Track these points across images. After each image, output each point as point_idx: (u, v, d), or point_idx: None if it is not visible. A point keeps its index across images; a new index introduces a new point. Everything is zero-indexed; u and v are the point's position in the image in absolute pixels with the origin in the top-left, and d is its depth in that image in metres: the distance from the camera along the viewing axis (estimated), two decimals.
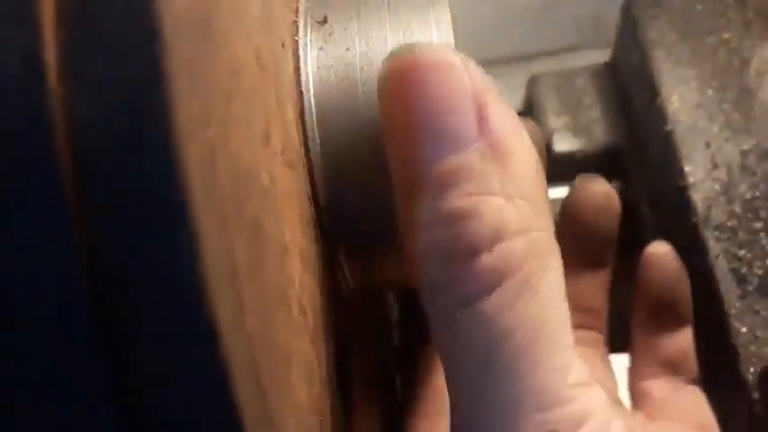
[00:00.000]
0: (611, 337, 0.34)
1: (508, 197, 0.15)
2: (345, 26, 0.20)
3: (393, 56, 0.16)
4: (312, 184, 0.19)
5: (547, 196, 0.17)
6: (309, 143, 0.19)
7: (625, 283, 0.35)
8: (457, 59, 0.16)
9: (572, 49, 0.74)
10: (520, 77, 0.55)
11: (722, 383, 0.33)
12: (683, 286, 0.30)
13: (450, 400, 0.16)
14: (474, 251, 0.15)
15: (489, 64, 0.74)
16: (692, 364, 0.31)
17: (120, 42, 0.09)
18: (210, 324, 0.10)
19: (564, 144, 0.44)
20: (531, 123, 0.33)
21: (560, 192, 0.45)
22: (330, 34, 0.20)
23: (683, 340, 0.31)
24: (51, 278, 0.09)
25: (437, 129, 0.15)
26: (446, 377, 0.16)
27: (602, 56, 0.48)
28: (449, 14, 0.20)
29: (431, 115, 0.15)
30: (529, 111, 0.48)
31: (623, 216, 0.42)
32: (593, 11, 0.74)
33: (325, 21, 0.20)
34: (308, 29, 0.19)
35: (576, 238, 0.31)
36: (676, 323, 0.31)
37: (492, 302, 0.15)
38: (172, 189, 0.09)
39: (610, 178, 0.44)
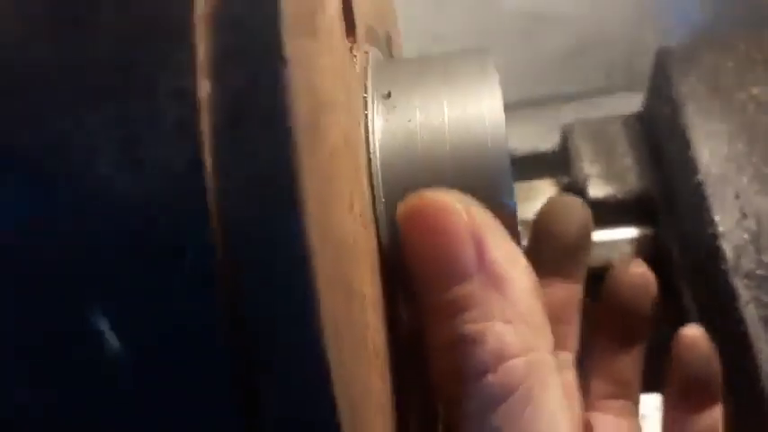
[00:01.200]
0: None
1: (508, 321, 0.18)
2: (407, 100, 0.22)
3: (405, 202, 0.19)
4: (379, 240, 0.21)
5: (545, 316, 0.19)
6: (376, 204, 0.21)
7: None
8: (455, 204, 0.19)
9: (604, 92, 0.76)
10: (553, 119, 0.58)
11: (752, 427, 0.34)
12: (715, 367, 0.32)
13: None
14: (482, 372, 0.17)
15: (523, 105, 0.77)
16: None
17: (260, 149, 0.12)
18: (325, 369, 0.12)
19: (598, 190, 0.46)
20: (578, 201, 0.36)
21: (596, 236, 0.47)
22: (394, 107, 0.22)
23: (712, 418, 0.32)
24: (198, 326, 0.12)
25: (441, 264, 0.18)
26: None
27: (633, 99, 0.51)
28: (499, 89, 0.23)
29: (435, 253, 0.18)
30: (563, 157, 0.51)
31: (655, 258, 0.44)
32: (625, 55, 0.76)
33: (389, 95, 0.23)
34: (375, 103, 0.22)
35: (615, 316, 0.33)
36: (707, 401, 0.32)
37: (500, 415, 0.17)
38: (299, 259, 0.12)
39: (641, 224, 0.46)
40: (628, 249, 0.46)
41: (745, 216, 0.37)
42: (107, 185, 0.12)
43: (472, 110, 0.22)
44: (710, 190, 0.38)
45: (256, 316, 0.12)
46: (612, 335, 0.33)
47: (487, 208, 0.21)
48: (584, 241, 0.33)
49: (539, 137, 0.61)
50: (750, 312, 0.35)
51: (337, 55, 0.18)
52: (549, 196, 0.52)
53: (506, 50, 0.76)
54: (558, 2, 0.74)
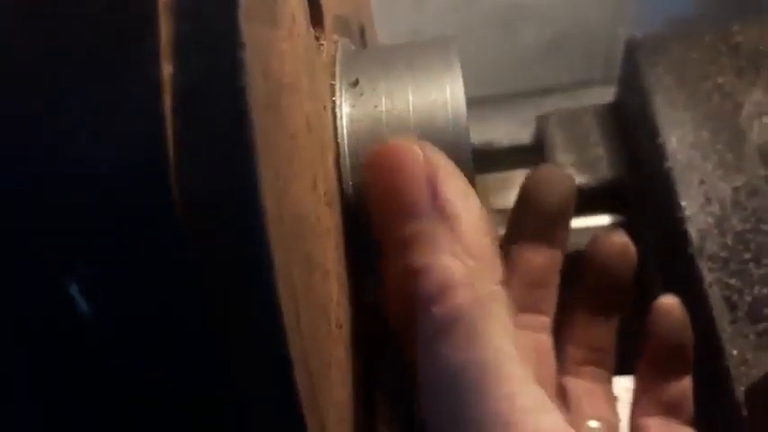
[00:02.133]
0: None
1: (455, 254, 0.19)
2: (374, 87, 0.23)
3: (371, 149, 0.21)
4: (345, 218, 0.22)
5: (495, 252, 0.20)
6: (344, 185, 0.22)
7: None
8: (414, 148, 0.20)
9: (582, 84, 0.77)
10: (531, 112, 0.59)
11: (715, 403, 0.35)
12: (688, 336, 0.33)
13: (429, 423, 0.19)
14: (428, 302, 0.18)
15: (503, 98, 0.78)
16: (690, 408, 0.34)
17: (218, 127, 0.13)
18: (279, 327, 0.13)
19: None
20: (562, 171, 0.37)
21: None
22: (361, 95, 0.23)
23: (683, 386, 0.34)
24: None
25: (396, 202, 0.19)
26: (424, 400, 0.19)
27: (611, 92, 0.52)
28: (460, 77, 0.24)
29: (392, 191, 0.20)
30: (539, 147, 0.52)
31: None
32: (603, 48, 0.77)
33: (356, 83, 0.24)
34: (343, 91, 0.23)
35: (594, 284, 0.34)
36: (679, 370, 0.34)
37: (446, 344, 0.18)
38: (258, 229, 0.13)
39: (614, 211, 0.47)
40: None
41: (709, 201, 0.39)
42: (77, 160, 0.13)
43: (435, 96, 0.23)
44: (677, 176, 0.39)
45: (216, 288, 0.13)
46: (591, 302, 0.34)
47: None
48: (567, 209, 0.34)
49: (518, 129, 0.62)
50: (714, 293, 0.36)
51: (299, 42, 0.19)
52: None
53: (486, 45, 0.77)
54: None
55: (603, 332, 0.34)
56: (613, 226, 0.46)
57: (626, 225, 0.46)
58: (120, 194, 0.13)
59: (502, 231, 0.49)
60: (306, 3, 0.20)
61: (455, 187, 0.20)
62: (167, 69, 0.13)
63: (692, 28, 0.45)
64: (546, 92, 0.82)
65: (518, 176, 0.54)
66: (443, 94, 0.23)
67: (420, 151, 0.20)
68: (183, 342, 0.13)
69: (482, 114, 0.75)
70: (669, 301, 0.34)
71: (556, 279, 0.34)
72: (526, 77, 0.82)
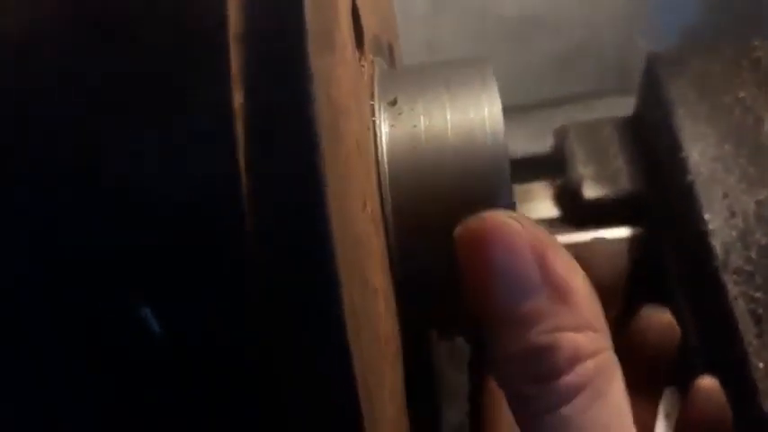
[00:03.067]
0: None
1: (578, 329, 0.20)
2: (412, 107, 0.24)
3: (464, 223, 0.21)
4: (387, 236, 0.22)
5: (604, 317, 0.21)
6: (384, 204, 0.23)
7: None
8: (514, 222, 0.20)
9: (597, 95, 0.78)
10: (546, 123, 0.59)
11: (743, 418, 0.35)
12: (728, 417, 0.34)
13: None
14: (558, 373, 0.19)
15: (518, 109, 0.78)
16: None
17: (289, 156, 0.13)
18: (345, 347, 0.13)
19: (591, 191, 0.48)
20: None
21: (589, 235, 0.49)
22: (399, 114, 0.24)
23: None
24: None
25: (508, 281, 0.20)
26: None
27: (625, 102, 0.52)
28: (498, 96, 0.24)
29: (501, 271, 0.20)
30: (559, 158, 0.52)
31: (647, 257, 0.46)
32: (618, 59, 0.78)
33: (395, 102, 0.24)
34: (382, 110, 0.23)
35: (638, 362, 0.35)
36: None
37: (572, 408, 0.19)
38: (325, 253, 0.13)
39: (634, 223, 0.47)
40: (622, 248, 0.47)
41: (733, 214, 0.39)
42: (150, 190, 0.13)
43: (473, 115, 0.24)
44: (700, 190, 0.40)
45: (284, 311, 0.13)
46: (634, 379, 0.35)
47: (486, 209, 0.23)
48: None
49: (534, 140, 0.63)
50: (739, 307, 0.36)
51: (350, 66, 0.19)
52: (542, 197, 0.53)
53: (501, 55, 0.77)
54: (552, 8, 0.76)
55: (645, 408, 0.35)
56: (634, 238, 0.47)
57: (646, 238, 0.47)
58: (192, 221, 0.13)
59: None
60: (351, 23, 0.21)
61: (563, 261, 0.20)
62: (238, 98, 0.14)
63: (710, 42, 0.46)
64: (560, 102, 0.82)
65: (538, 189, 0.54)
66: (481, 112, 0.24)
67: (521, 225, 0.20)
68: (247, 364, 0.14)
69: None
70: (709, 384, 0.35)
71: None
72: (540, 88, 0.82)
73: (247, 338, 0.14)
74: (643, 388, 0.35)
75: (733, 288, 0.37)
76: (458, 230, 0.20)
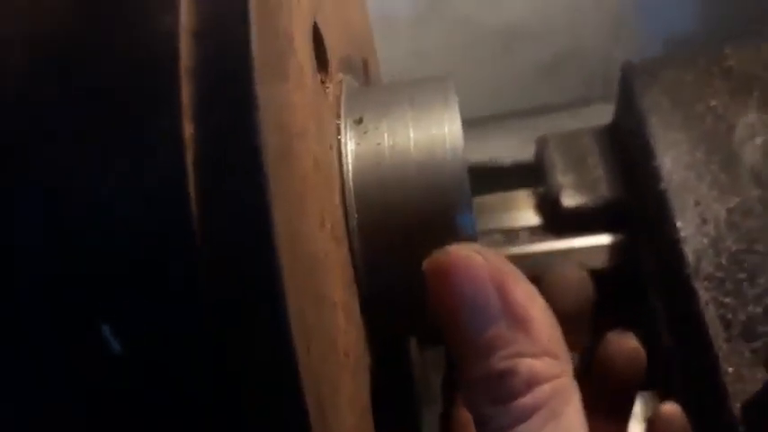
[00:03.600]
0: None
1: (535, 355, 0.21)
2: (377, 125, 0.25)
3: (431, 256, 0.22)
4: (352, 251, 0.23)
5: (564, 345, 0.22)
6: (349, 219, 0.23)
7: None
8: (477, 255, 0.21)
9: (581, 103, 0.79)
10: (533, 130, 0.60)
11: (713, 420, 0.36)
12: None
13: None
14: (515, 395, 0.20)
15: (503, 118, 0.79)
16: None
17: (236, 182, 0.14)
18: (293, 360, 0.14)
19: (571, 200, 0.49)
20: (582, 274, 0.39)
21: (569, 243, 0.50)
22: (365, 132, 0.25)
23: None
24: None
25: (470, 310, 0.21)
26: None
27: (611, 109, 0.53)
28: (458, 115, 0.25)
29: (464, 301, 0.21)
30: (539, 167, 0.53)
31: (626, 264, 0.47)
32: (601, 67, 0.79)
33: (360, 121, 0.25)
34: (348, 129, 0.24)
35: (604, 387, 0.36)
36: None
37: (527, 427, 0.20)
38: (272, 272, 0.14)
39: (613, 231, 0.48)
40: (601, 256, 0.48)
41: (704, 221, 0.40)
42: (107, 209, 0.14)
43: (435, 132, 0.25)
44: (673, 197, 0.41)
45: (234, 326, 0.14)
46: (599, 407, 0.36)
47: (448, 222, 0.24)
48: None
49: (518, 148, 0.64)
50: (710, 312, 0.37)
51: (308, 90, 0.20)
52: (525, 205, 0.54)
53: (486, 65, 0.78)
54: (535, 18, 0.77)
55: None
56: (613, 245, 0.48)
57: (625, 244, 0.47)
58: (145, 242, 0.14)
59: (506, 251, 0.50)
60: (312, 52, 0.22)
61: (522, 291, 0.22)
62: (189, 129, 0.14)
63: (685, 51, 0.47)
64: (545, 110, 0.83)
65: (519, 197, 0.55)
66: (442, 129, 0.25)
67: (483, 259, 0.21)
68: (201, 373, 0.15)
69: (483, 133, 0.76)
70: (671, 410, 0.36)
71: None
72: (525, 96, 0.83)
73: (201, 352, 0.15)
74: (612, 412, 0.36)
75: (704, 294, 0.37)
76: (425, 263, 0.22)
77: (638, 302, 0.45)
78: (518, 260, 0.51)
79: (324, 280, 0.18)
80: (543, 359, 0.21)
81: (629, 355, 0.36)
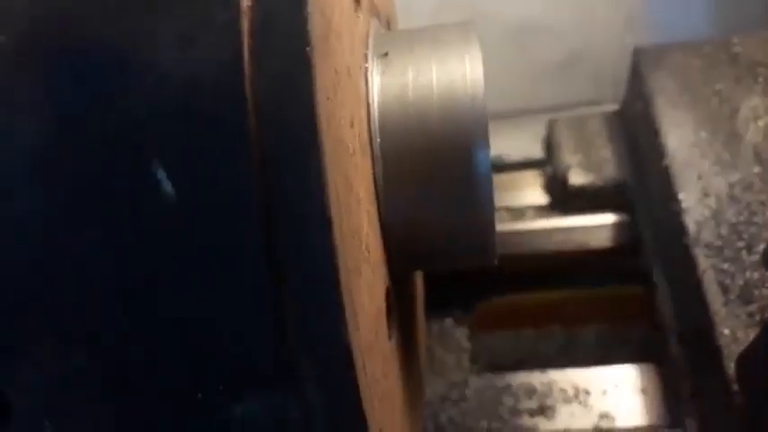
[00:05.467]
0: None
1: None
2: (401, 59, 0.26)
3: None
4: (374, 168, 0.25)
5: None
6: (373, 141, 0.25)
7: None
8: None
9: (591, 103, 0.80)
10: (542, 128, 0.62)
11: (709, 381, 0.37)
12: None
13: None
14: None
15: (517, 114, 0.81)
16: None
17: (285, 49, 0.16)
18: (327, 219, 0.16)
19: (578, 178, 0.50)
20: None
21: (574, 221, 0.51)
22: (390, 64, 0.26)
23: None
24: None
25: None
26: None
27: None
28: (479, 52, 0.27)
29: None
30: (548, 150, 0.55)
31: (630, 244, 0.48)
32: (611, 69, 0.80)
33: (386, 54, 0.27)
34: (375, 60, 0.26)
35: None
36: None
37: None
38: (310, 130, 0.16)
39: (618, 210, 0.50)
40: (605, 235, 0.50)
41: (706, 194, 0.41)
42: (168, 71, 0.16)
43: (456, 68, 0.26)
44: (676, 172, 0.42)
45: (278, 172, 0.16)
46: None
47: (464, 154, 0.25)
48: None
49: (528, 145, 0.65)
50: (708, 278, 0.38)
51: (345, 5, 0.22)
52: (532, 185, 0.56)
53: (500, 63, 0.80)
54: (548, 16, 0.79)
55: None
56: (618, 224, 0.49)
57: (629, 223, 0.49)
58: (201, 95, 0.16)
59: (509, 227, 0.51)
60: None
61: None
62: (246, 1, 0.16)
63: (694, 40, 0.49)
64: (556, 108, 0.85)
65: (527, 177, 0.57)
66: (463, 67, 0.26)
67: None
68: (244, 217, 0.16)
69: (493, 129, 0.78)
70: None
71: None
72: (538, 94, 0.84)
73: (246, 197, 0.16)
74: None
75: (703, 261, 0.39)
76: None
77: (639, 279, 0.46)
78: (522, 236, 0.53)
79: (351, 170, 0.20)
80: None
81: None
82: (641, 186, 0.48)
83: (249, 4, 0.16)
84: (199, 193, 0.16)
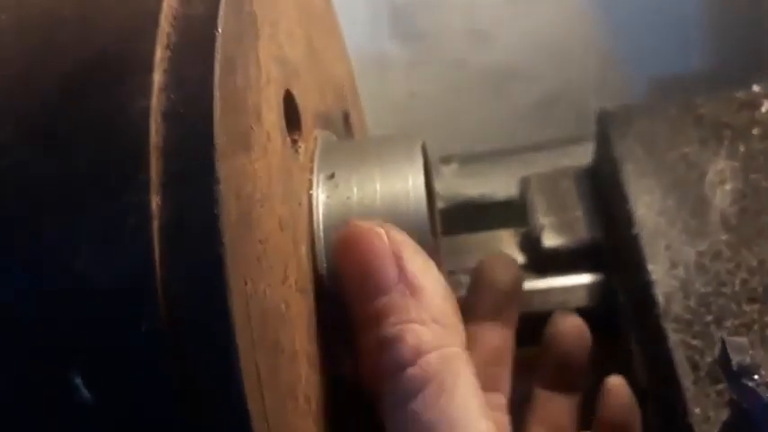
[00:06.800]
0: None
1: (423, 322, 0.21)
2: (347, 180, 0.27)
3: (341, 230, 0.23)
4: (318, 300, 0.25)
5: (458, 318, 0.23)
6: (318, 267, 0.25)
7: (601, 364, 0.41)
8: (378, 229, 0.23)
9: (572, 141, 0.81)
10: (528, 167, 0.62)
11: None
12: (635, 413, 0.37)
13: None
14: (402, 366, 0.21)
15: (497, 155, 0.82)
16: None
17: (198, 250, 0.16)
18: (245, 414, 0.16)
19: (551, 240, 0.50)
20: (510, 257, 0.40)
21: (550, 282, 0.51)
22: (336, 186, 0.27)
23: None
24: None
25: (367, 278, 0.22)
26: None
27: None
28: (422, 170, 0.27)
29: (362, 269, 0.22)
30: (522, 208, 0.55)
31: (605, 303, 0.48)
32: (594, 105, 0.81)
33: (332, 176, 0.27)
34: (320, 183, 0.26)
35: (552, 364, 0.37)
36: None
37: (419, 403, 0.20)
38: (225, 329, 0.16)
39: (592, 271, 0.50)
40: (581, 295, 0.50)
41: (674, 265, 0.41)
42: (83, 277, 0.16)
43: (400, 186, 0.26)
44: (645, 241, 0.42)
45: (193, 381, 0.16)
46: (550, 382, 0.37)
47: None
48: (516, 289, 0.37)
49: (511, 184, 0.65)
50: (678, 354, 0.38)
51: (275, 155, 0.22)
52: (508, 244, 0.56)
53: (479, 105, 0.80)
54: (525, 60, 0.79)
55: (562, 410, 0.37)
56: (592, 285, 0.49)
57: (603, 284, 0.49)
58: (116, 301, 0.16)
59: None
60: (282, 116, 0.24)
61: (418, 261, 0.23)
62: (156, 201, 0.16)
63: (658, 100, 0.49)
64: (537, 148, 0.85)
65: (504, 236, 0.57)
66: (406, 184, 0.26)
67: (384, 231, 0.23)
68: (164, 425, 0.16)
69: (476, 169, 0.78)
70: (617, 382, 0.37)
71: (509, 358, 0.37)
72: (517, 135, 0.85)
73: (163, 404, 0.16)
74: (559, 388, 0.37)
75: (673, 336, 0.39)
76: (336, 237, 0.23)
77: (616, 340, 0.46)
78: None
79: (283, 330, 0.20)
80: (431, 326, 0.21)
81: (575, 331, 0.37)
82: (613, 247, 0.48)
83: (158, 202, 0.16)
84: (115, 403, 0.16)
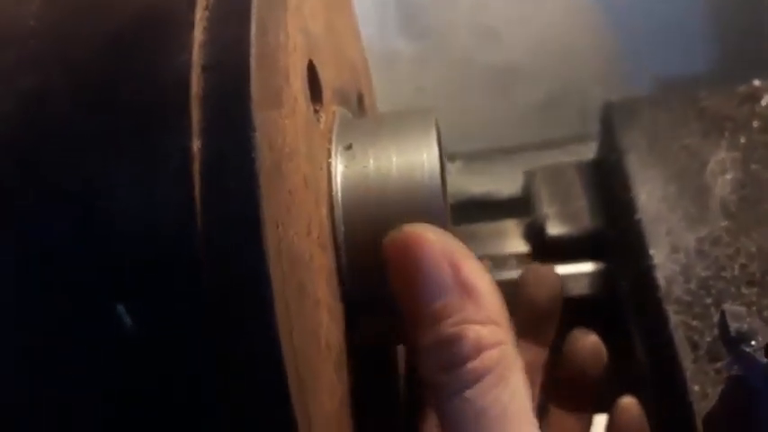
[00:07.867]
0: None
1: (481, 322, 0.23)
2: (364, 151, 0.28)
3: (390, 236, 0.24)
4: (338, 260, 0.26)
5: (507, 316, 0.24)
6: (336, 231, 0.27)
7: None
8: (431, 234, 0.24)
9: (577, 139, 0.82)
10: (529, 165, 0.63)
11: None
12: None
13: None
14: (464, 360, 0.23)
15: (502, 153, 0.83)
16: None
17: (234, 191, 0.17)
18: (277, 343, 0.17)
19: (555, 229, 0.52)
20: (552, 271, 0.43)
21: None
22: (353, 157, 0.28)
23: None
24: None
25: (423, 280, 0.24)
26: None
27: None
28: (435, 143, 0.28)
29: (418, 272, 0.24)
30: (526, 199, 0.56)
31: (608, 291, 0.49)
32: (599, 103, 0.82)
33: (350, 147, 0.28)
34: (338, 154, 0.28)
35: (568, 383, 0.39)
36: None
37: (475, 391, 0.22)
38: (259, 257, 0.17)
39: (595, 259, 0.51)
40: (584, 283, 0.51)
41: (675, 250, 0.42)
42: (128, 213, 0.17)
43: (414, 158, 0.28)
44: (646, 227, 0.43)
45: (228, 309, 0.17)
46: (566, 399, 0.38)
47: None
48: (555, 308, 0.38)
49: (516, 182, 0.67)
50: (678, 334, 0.40)
51: (300, 117, 0.23)
52: (513, 234, 0.57)
53: (485, 103, 0.82)
54: (531, 58, 0.80)
55: (576, 426, 0.38)
56: (595, 273, 0.50)
57: (606, 272, 0.50)
58: (158, 238, 0.17)
59: (495, 276, 0.53)
60: (307, 85, 0.25)
61: (472, 265, 0.24)
62: (197, 144, 0.18)
63: (662, 93, 0.50)
64: (542, 146, 0.86)
65: (507, 226, 0.58)
66: (421, 156, 0.28)
67: (435, 235, 0.24)
68: (197, 351, 0.17)
69: (481, 167, 0.79)
70: (629, 402, 0.38)
71: (539, 377, 0.38)
72: (523, 132, 0.86)
73: (198, 333, 0.18)
74: (574, 405, 0.38)
75: (674, 317, 0.40)
76: (385, 241, 0.24)
77: (617, 326, 0.47)
78: (506, 285, 0.54)
79: (308, 277, 0.21)
80: (489, 326, 0.23)
81: (592, 350, 0.38)
82: (615, 236, 0.50)
83: (199, 146, 0.18)
84: (156, 329, 0.17)
